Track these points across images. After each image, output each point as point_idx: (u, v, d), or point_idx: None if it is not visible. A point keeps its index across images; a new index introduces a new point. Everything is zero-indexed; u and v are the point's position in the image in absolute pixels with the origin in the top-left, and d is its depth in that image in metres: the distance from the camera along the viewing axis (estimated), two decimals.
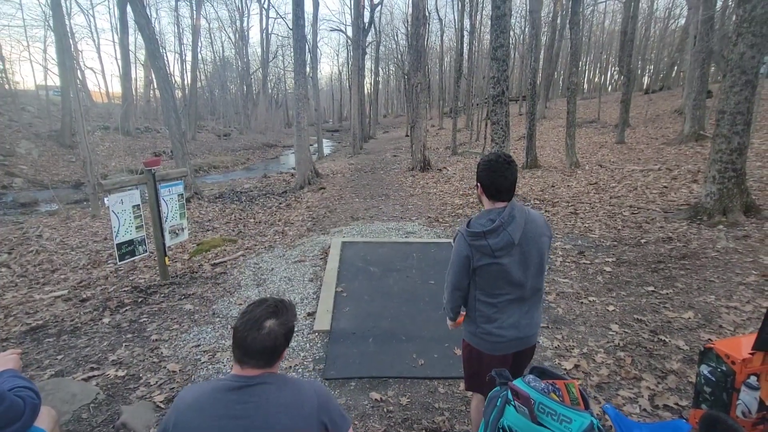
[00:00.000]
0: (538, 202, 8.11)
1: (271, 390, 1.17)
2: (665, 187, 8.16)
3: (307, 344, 3.34)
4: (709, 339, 3.15)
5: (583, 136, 17.44)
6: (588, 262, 4.90)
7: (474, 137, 22.53)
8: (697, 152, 11.04)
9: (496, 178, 1.75)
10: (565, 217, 7.01)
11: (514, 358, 1.91)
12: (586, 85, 45.84)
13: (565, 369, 2.93)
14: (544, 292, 1.92)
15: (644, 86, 32.63)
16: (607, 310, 3.74)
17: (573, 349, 3.18)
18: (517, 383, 1.48)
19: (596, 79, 45.60)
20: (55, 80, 25.82)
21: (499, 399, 1.50)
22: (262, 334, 1.15)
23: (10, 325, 4.13)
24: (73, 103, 10.69)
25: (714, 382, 1.96)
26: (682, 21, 28.05)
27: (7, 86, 27.12)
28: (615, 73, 42.13)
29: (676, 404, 2.53)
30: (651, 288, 4.09)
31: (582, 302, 3.92)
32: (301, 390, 1.21)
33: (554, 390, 1.44)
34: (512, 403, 1.44)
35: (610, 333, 3.37)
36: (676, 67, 28.56)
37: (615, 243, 5.48)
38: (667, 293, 3.95)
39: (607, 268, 4.64)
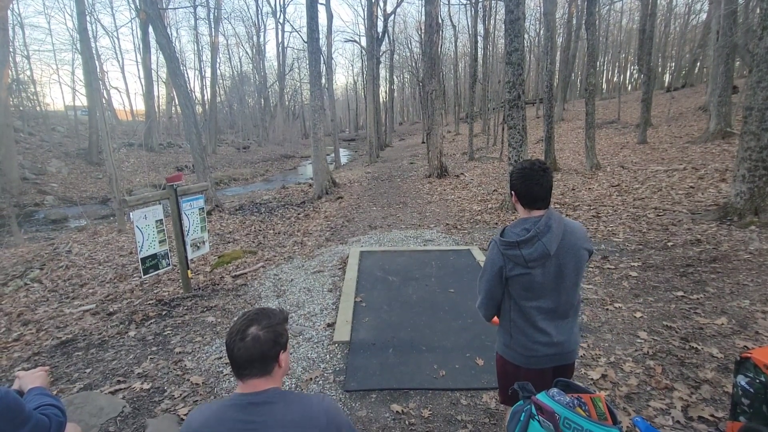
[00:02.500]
0: (558, 206, 7.96)
1: (277, 408, 1.15)
2: (692, 187, 7.90)
3: (328, 355, 3.34)
4: (745, 347, 3.00)
5: (603, 137, 17.10)
6: (612, 267, 4.76)
7: (491, 142, 22.35)
8: (724, 150, 10.67)
9: (532, 185, 1.69)
10: (587, 220, 6.85)
11: (554, 374, 1.80)
12: (604, 86, 45.02)
13: (592, 379, 2.84)
14: (580, 307, 1.85)
15: (665, 84, 31.84)
16: (635, 317, 3.62)
17: (599, 357, 3.08)
18: (541, 397, 1.44)
19: (615, 79, 44.78)
20: (82, 100, 26.93)
21: (523, 414, 1.46)
22: (247, 343, 1.14)
23: (42, 339, 4.27)
24: (100, 122, 11.11)
25: (752, 393, 1.86)
26: (703, 16, 27.33)
27: (38, 108, 28.42)
28: (634, 71, 41.28)
29: (712, 416, 2.41)
30: (680, 293, 3.94)
31: (607, 309, 3.81)
32: (310, 407, 1.19)
33: (580, 404, 1.39)
34: (536, 418, 1.40)
35: (639, 341, 3.26)
36: (698, 64, 27.79)
37: (640, 246, 5.32)
38: (698, 298, 3.80)
39: (633, 273, 4.51)
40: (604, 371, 2.90)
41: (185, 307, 4.62)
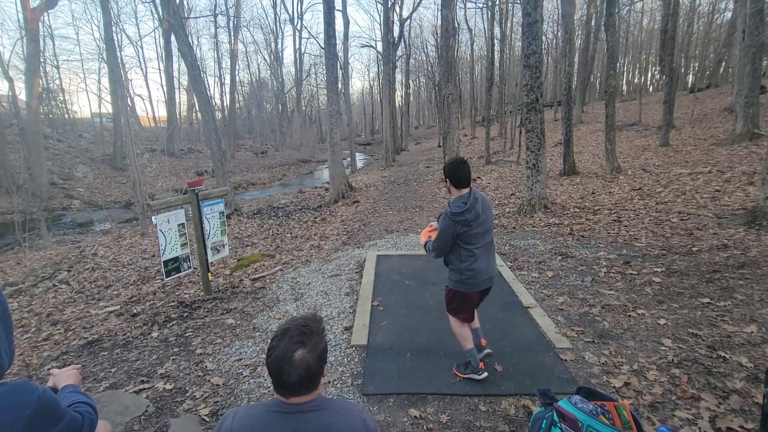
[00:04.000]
0: (577, 210, 7.84)
1: (324, 416, 1.17)
2: (717, 190, 7.67)
3: (345, 359, 3.35)
4: None
5: (623, 139, 16.77)
6: (635, 272, 4.66)
7: (508, 145, 22.14)
8: (751, 152, 10.33)
9: (459, 173, 2.67)
10: (607, 225, 6.72)
11: (480, 296, 2.89)
12: (625, 87, 44.15)
13: (614, 387, 2.78)
14: (494, 245, 2.88)
15: (689, 85, 31.06)
16: (658, 324, 3.53)
17: (622, 365, 3.01)
18: (563, 404, 1.42)
19: (636, 81, 43.88)
20: (107, 108, 27.75)
21: (544, 421, 1.44)
22: (296, 369, 1.13)
23: (70, 339, 4.41)
24: (124, 128, 11.44)
25: None
26: (728, 15, 26.61)
27: (66, 115, 29.42)
28: (656, 73, 40.38)
29: (741, 427, 2.33)
30: (706, 300, 3.83)
31: (630, 315, 3.73)
32: (351, 416, 1.22)
33: (604, 412, 1.37)
34: (558, 425, 1.38)
35: (663, 348, 3.17)
36: (723, 64, 27.03)
37: (664, 252, 5.20)
38: (725, 305, 3.69)
39: (657, 279, 4.40)
40: (626, 379, 2.84)
41: (206, 309, 4.71)
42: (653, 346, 3.24)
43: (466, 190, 2.69)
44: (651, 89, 40.83)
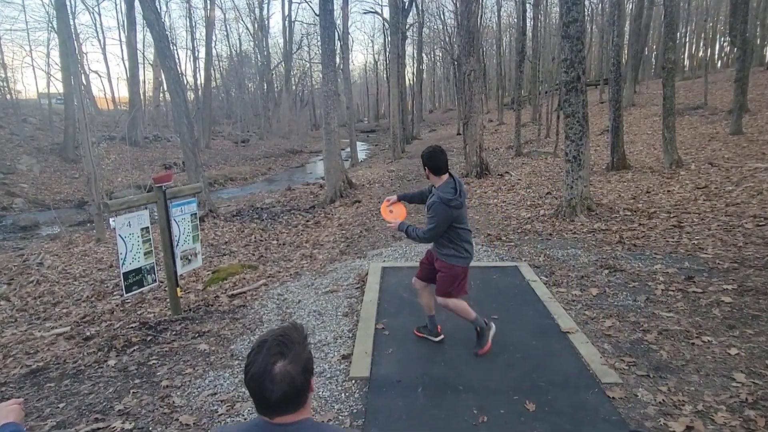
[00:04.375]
0: (628, 212, 7.80)
1: None
2: None
3: (342, 394, 3.35)
4: None
5: (685, 126, 16.66)
6: (699, 290, 4.62)
7: (543, 133, 22.08)
8: None
9: (437, 161, 3.45)
10: (665, 231, 6.68)
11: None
12: (686, 62, 43.91)
13: None
14: None
15: (767, 59, 30.81)
16: (729, 354, 3.50)
17: (683, 405, 2.99)
18: None
19: (700, 54, 43.63)
20: (58, 87, 28.03)
21: None
22: (278, 384, 1.17)
23: (9, 367, 4.44)
24: (77, 111, 11.58)
25: None
26: None
27: (8, 96, 29.79)
28: (725, 44, 40.11)
29: None
30: None
31: (693, 343, 3.70)
32: None
33: None
34: None
35: (734, 385, 3.14)
36: None
37: (735, 265, 5.15)
38: None
39: (726, 299, 4.36)
40: (689, 422, 2.81)
41: (173, 332, 4.72)
42: (722, 381, 3.20)
43: (446, 176, 3.49)
44: (719, 65, 40.56)
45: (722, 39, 42.09)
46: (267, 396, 1.18)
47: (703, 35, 43.01)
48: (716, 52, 44.64)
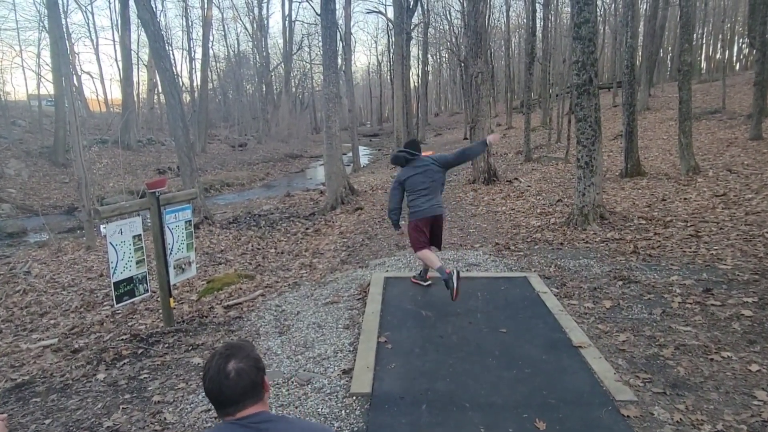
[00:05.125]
0: (643, 221, 7.78)
1: (280, 425, 1.40)
2: None
3: (343, 411, 3.33)
4: None
5: (703, 131, 16.65)
6: (718, 303, 4.60)
7: (554, 138, 22.11)
8: None
9: (399, 157, 5.27)
10: (682, 241, 6.65)
11: (432, 223, 5.20)
12: (704, 64, 43.97)
13: None
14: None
15: None
16: (749, 371, 3.47)
17: (702, 424, 2.96)
18: None
19: (718, 56, 43.68)
20: (48, 88, 28.27)
21: None
22: (233, 378, 1.34)
23: None
24: (68, 113, 11.64)
25: None
26: None
27: None
28: (744, 46, 40.16)
29: None
30: None
31: (712, 359, 3.67)
32: (312, 425, 1.64)
33: None
34: None
35: (755, 403, 3.12)
36: None
37: (756, 276, 5.12)
38: None
39: (747, 312, 4.34)
40: None
41: (166, 345, 4.72)
42: (743, 399, 3.18)
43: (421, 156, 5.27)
44: (738, 67, 40.58)
45: (741, 40, 42.13)
46: (226, 393, 1.34)
47: (720, 36, 43.08)
48: (734, 54, 44.66)
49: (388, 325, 4.59)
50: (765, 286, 4.86)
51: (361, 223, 10.73)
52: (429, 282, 5.50)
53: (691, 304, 4.66)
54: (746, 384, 3.34)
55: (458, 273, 4.82)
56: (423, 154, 5.31)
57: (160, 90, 15.62)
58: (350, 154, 26.97)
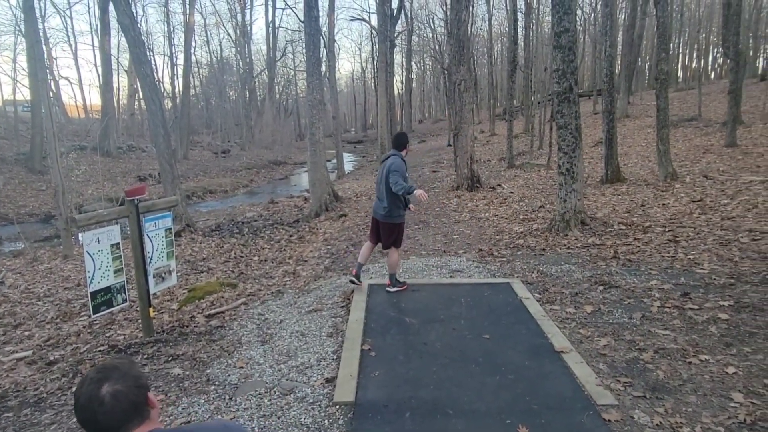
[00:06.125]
0: (623, 226, 7.89)
1: None
2: None
3: (326, 421, 3.31)
4: None
5: (680, 138, 16.99)
6: (696, 306, 4.68)
7: (536, 144, 22.38)
8: None
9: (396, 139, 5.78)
10: (661, 246, 6.76)
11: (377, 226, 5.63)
12: (680, 73, 44.98)
13: None
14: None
15: (759, 71, 31.69)
16: (726, 373, 3.53)
17: (681, 427, 3.00)
18: None
19: (694, 65, 44.76)
20: (25, 94, 27.75)
21: None
22: (108, 404, 1.23)
23: None
24: (45, 120, 11.44)
25: None
26: None
27: None
28: (718, 56, 41.15)
29: None
30: None
31: (690, 362, 3.73)
32: (208, 426, 1.51)
33: None
34: None
35: (732, 405, 3.17)
36: None
37: (732, 280, 5.22)
38: None
39: (723, 315, 4.42)
40: None
41: (145, 356, 4.64)
42: (720, 401, 3.23)
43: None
44: (713, 76, 41.60)
45: (715, 50, 43.23)
46: (104, 421, 1.23)
47: (696, 46, 44.24)
48: (710, 63, 45.80)
49: (372, 332, 4.59)
50: (740, 290, 4.95)
51: (345, 230, 10.71)
52: (405, 286, 5.70)
53: (669, 308, 4.73)
54: (723, 386, 3.39)
55: (355, 281, 5.57)
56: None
57: (141, 96, 15.46)
58: (334, 160, 26.92)
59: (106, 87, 27.20)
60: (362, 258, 5.74)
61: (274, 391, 3.69)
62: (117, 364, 1.34)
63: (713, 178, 10.64)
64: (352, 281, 5.65)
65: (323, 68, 21.04)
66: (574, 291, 5.41)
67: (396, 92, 40.98)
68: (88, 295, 4.45)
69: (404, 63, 40.11)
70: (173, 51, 36.99)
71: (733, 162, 12.19)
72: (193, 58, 36.47)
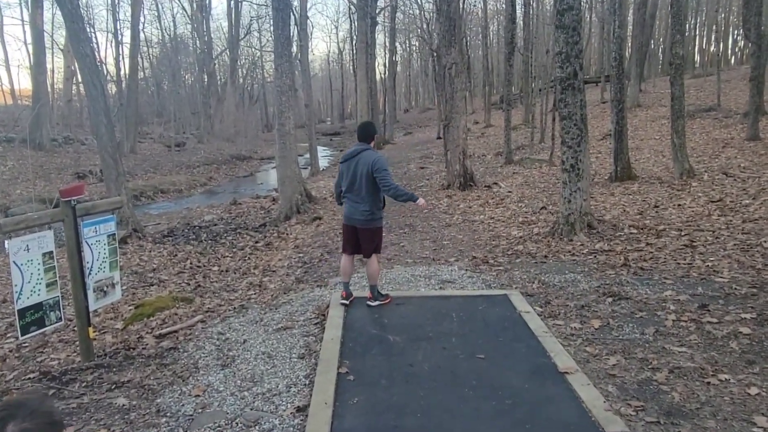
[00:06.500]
0: (634, 230, 8.00)
1: None
2: None
3: None
4: None
5: (697, 130, 17.27)
6: (715, 320, 4.75)
7: (537, 137, 22.58)
8: None
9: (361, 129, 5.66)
10: (676, 252, 6.87)
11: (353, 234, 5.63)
12: (697, 57, 45.77)
13: None
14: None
15: None
16: (749, 395, 3.59)
17: None
18: None
19: (712, 49, 45.64)
20: None
21: None
22: None
23: None
24: None
25: None
26: None
27: None
28: (739, 38, 42.04)
29: None
30: None
31: (709, 383, 3.78)
32: None
33: None
34: None
35: (755, 430, 3.22)
36: None
37: (754, 290, 5.32)
38: None
39: (745, 330, 4.49)
40: None
41: (84, 384, 4.55)
42: (742, 426, 3.27)
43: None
44: (733, 61, 42.44)
45: (736, 32, 44.13)
46: None
47: (714, 28, 45.11)
48: (729, 46, 46.73)
49: (350, 353, 4.56)
50: (764, 301, 5.04)
51: (319, 235, 10.67)
52: (388, 299, 5.71)
53: (686, 321, 4.80)
54: (745, 409, 3.44)
55: (349, 300, 5.59)
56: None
57: (80, 79, 15.19)
58: (307, 155, 26.85)
59: (38, 69, 26.70)
60: (346, 276, 5.72)
61: (237, 423, 3.65)
62: (23, 400, 1.32)
63: (734, 176, 10.81)
64: (343, 304, 5.58)
65: (294, 49, 20.99)
66: (580, 303, 5.46)
67: (378, 77, 41.05)
68: (16, 313, 4.35)
69: (387, 43, 40.14)
70: (119, 27, 36.54)
71: (755, 157, 12.40)
72: (141, 35, 36.14)
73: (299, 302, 6.07)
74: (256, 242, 11.41)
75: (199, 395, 4.10)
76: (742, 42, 39.67)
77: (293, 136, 13.53)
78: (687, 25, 32.74)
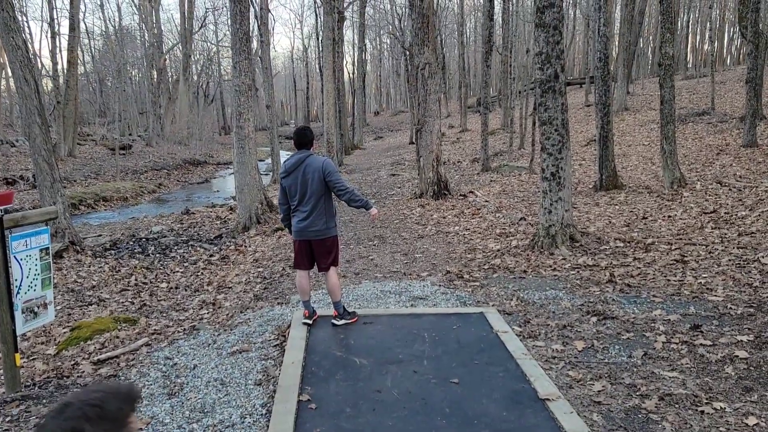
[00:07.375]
0: (621, 243, 8.12)
1: None
2: None
3: None
4: None
5: (689, 136, 17.59)
6: (708, 342, 4.82)
7: (516, 143, 22.87)
8: None
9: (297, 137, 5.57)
10: (666, 268, 6.98)
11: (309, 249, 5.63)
12: (689, 57, 46.80)
13: None
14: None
15: None
16: (746, 425, 3.63)
17: None
18: None
19: (706, 48, 46.86)
20: None
21: None
22: None
23: None
24: None
25: None
26: None
27: None
28: (735, 38, 43.22)
29: None
30: None
31: (703, 411, 3.82)
32: None
33: None
34: None
35: None
36: None
37: (751, 310, 5.41)
38: None
39: (741, 353, 4.55)
40: None
41: (8, 419, 4.41)
42: None
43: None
44: (728, 62, 43.59)
45: (731, 30, 45.32)
46: None
47: (708, 25, 46.36)
48: (725, 45, 47.88)
49: (313, 378, 4.52)
50: (762, 322, 5.12)
51: (281, 248, 10.59)
52: (355, 317, 5.73)
53: (677, 344, 4.85)
54: None
55: (312, 320, 5.61)
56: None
57: (10, 74, 14.82)
58: (269, 160, 26.71)
59: None
60: (305, 294, 5.68)
61: None
62: (107, 415, 1.28)
63: (729, 185, 11.02)
64: (306, 324, 5.56)
65: (254, 45, 20.95)
66: (562, 323, 5.49)
67: (347, 76, 41.23)
68: None
69: (356, 41, 40.41)
70: (55, 16, 35.91)
71: (752, 165, 12.65)
72: (82, 25, 35.59)
73: (257, 322, 6.01)
74: (211, 255, 11.27)
75: (141, 429, 4.00)
76: (739, 41, 40.81)
77: (253, 140, 13.43)
78: (678, 23, 33.61)
